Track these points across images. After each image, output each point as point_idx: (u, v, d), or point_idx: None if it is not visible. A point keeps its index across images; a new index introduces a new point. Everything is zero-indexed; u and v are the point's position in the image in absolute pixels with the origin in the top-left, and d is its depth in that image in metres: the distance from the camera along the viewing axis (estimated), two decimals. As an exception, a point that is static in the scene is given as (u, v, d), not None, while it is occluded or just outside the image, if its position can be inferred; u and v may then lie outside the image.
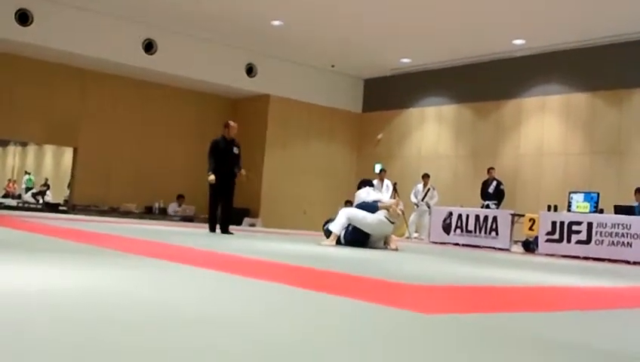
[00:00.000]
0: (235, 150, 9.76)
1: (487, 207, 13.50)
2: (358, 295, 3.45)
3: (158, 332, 2.05)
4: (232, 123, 9.97)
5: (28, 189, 25.73)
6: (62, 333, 1.94)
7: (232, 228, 9.98)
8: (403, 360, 1.94)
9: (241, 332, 2.17)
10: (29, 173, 28.09)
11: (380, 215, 8.62)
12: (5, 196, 24.54)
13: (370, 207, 8.73)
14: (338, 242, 8.59)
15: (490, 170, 14.38)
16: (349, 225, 8.62)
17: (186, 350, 1.80)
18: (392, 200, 9.65)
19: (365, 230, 8.59)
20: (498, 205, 13.73)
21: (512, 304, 3.87)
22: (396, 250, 8.59)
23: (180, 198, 16.62)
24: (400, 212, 9.12)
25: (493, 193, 14.04)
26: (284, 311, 2.78)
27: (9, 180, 29.27)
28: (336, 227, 8.59)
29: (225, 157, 9.63)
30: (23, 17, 13.76)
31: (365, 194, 9.20)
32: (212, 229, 9.82)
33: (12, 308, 2.32)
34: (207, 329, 2.18)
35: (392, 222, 8.76)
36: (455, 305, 3.53)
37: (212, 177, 9.49)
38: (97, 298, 2.70)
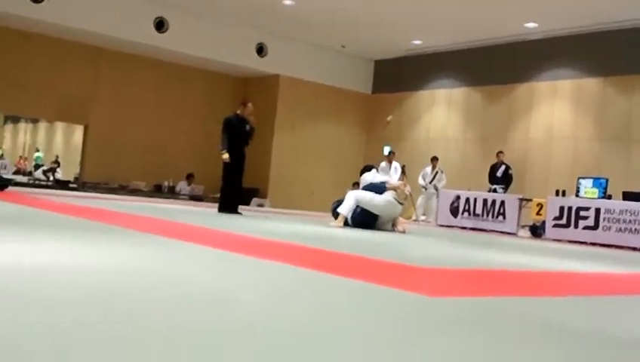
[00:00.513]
0: (247, 127, 9.79)
1: (495, 190, 13.50)
2: (365, 276, 3.49)
3: (163, 311, 2.09)
4: (250, 103, 9.97)
5: (37, 166, 25.87)
6: (63, 311, 1.98)
7: (240, 208, 10.01)
8: (411, 344, 1.98)
9: (248, 313, 2.21)
10: (39, 150, 28.23)
11: (388, 195, 8.64)
12: (16, 173, 24.68)
13: (378, 188, 8.75)
14: (346, 224, 8.63)
15: (499, 153, 14.36)
16: (357, 206, 8.65)
17: (191, 331, 1.84)
18: (400, 182, 9.67)
19: (373, 211, 8.62)
20: (506, 189, 13.73)
21: (519, 288, 3.90)
22: (404, 232, 8.62)
23: (190, 177, 16.67)
24: (408, 193, 9.15)
25: (501, 177, 14.03)
26: (291, 293, 2.82)
27: (20, 157, 29.42)
28: (345, 209, 8.63)
29: (237, 136, 9.65)
30: (36, -6, 13.76)
31: (372, 176, 9.22)
32: (224, 209, 9.76)
33: (20, 285, 2.36)
34: (214, 309, 2.22)
35: (401, 203, 8.78)
36: (462, 289, 3.56)
37: (226, 155, 9.49)
38: (105, 276, 2.75)
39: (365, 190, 8.89)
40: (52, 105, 15.83)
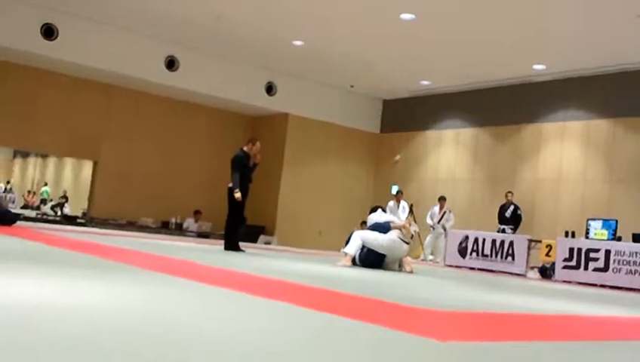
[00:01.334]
0: (251, 164, 9.85)
1: (504, 231, 13.42)
2: (371, 319, 3.43)
3: (153, 349, 2.06)
4: (258, 142, 10.00)
5: (44, 201, 25.95)
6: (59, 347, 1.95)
7: (247, 245, 9.97)
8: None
9: (241, 353, 2.16)
10: (46, 185, 28.37)
11: (393, 235, 8.60)
12: (24, 207, 24.78)
13: (383, 228, 8.73)
14: (354, 263, 8.57)
15: (507, 194, 14.32)
16: (364, 246, 8.61)
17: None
18: (405, 221, 9.63)
19: (379, 251, 8.56)
20: (515, 230, 13.64)
21: (529, 332, 3.82)
22: (411, 272, 8.55)
23: (197, 214, 16.66)
24: (413, 232, 9.10)
25: (510, 217, 13.97)
26: (290, 332, 2.77)
27: (28, 191, 29.58)
28: (351, 249, 8.59)
29: (247, 174, 9.68)
30: (49, 32, 13.95)
31: (378, 216, 9.21)
32: (230, 247, 9.70)
33: (17, 322, 2.33)
34: (203, 348, 2.18)
35: (407, 243, 8.73)
36: (470, 333, 3.50)
37: (239, 194, 9.48)
38: (101, 313, 2.71)
39: (371, 230, 8.87)
40: (62, 140, 15.94)
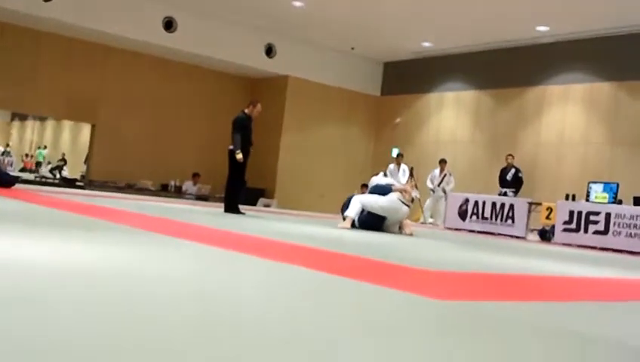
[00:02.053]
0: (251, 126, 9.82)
1: (505, 194, 13.40)
2: (371, 278, 3.41)
3: (157, 309, 2.03)
4: (259, 104, 9.94)
5: (39, 163, 25.92)
6: (63, 310, 1.92)
7: (247, 208, 9.95)
8: (415, 346, 1.90)
9: (259, 316, 2.14)
10: (40, 148, 28.35)
11: (393, 197, 8.59)
12: (22, 170, 24.79)
13: (384, 190, 8.73)
14: (354, 226, 8.56)
15: (508, 156, 14.24)
16: (364, 209, 8.60)
17: (185, 324, 1.78)
18: (407, 185, 9.62)
19: (379, 213, 8.55)
20: (516, 193, 13.62)
21: (528, 293, 3.81)
22: (411, 235, 8.55)
23: (196, 176, 16.62)
24: (414, 196, 9.08)
25: (511, 180, 13.92)
26: (298, 294, 2.75)
27: (26, 155, 29.57)
28: (352, 211, 8.58)
29: (248, 135, 9.63)
30: (45, -7, 13.76)
31: (378, 179, 9.19)
32: (230, 209, 9.66)
33: (20, 283, 2.30)
34: (208, 306, 2.15)
35: (407, 205, 8.71)
36: (465, 292, 3.48)
37: (241, 155, 9.43)
38: (105, 273, 2.69)
39: (371, 193, 8.86)
40: (60, 103, 15.83)
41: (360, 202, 8.64)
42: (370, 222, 8.57)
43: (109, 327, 1.69)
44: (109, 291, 2.26)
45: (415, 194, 9.30)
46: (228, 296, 2.45)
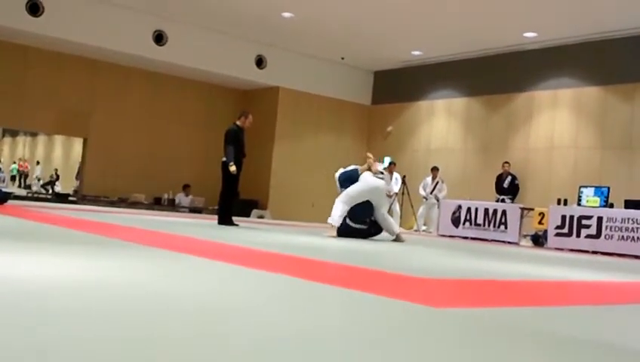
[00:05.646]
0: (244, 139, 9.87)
1: (503, 201, 13.52)
2: (364, 287, 3.43)
3: (156, 322, 2.04)
4: (250, 115, 9.99)
5: (13, 177, 26.02)
6: (54, 326, 1.93)
7: (240, 219, 9.97)
8: (411, 354, 1.92)
9: (242, 324, 2.15)
10: (15, 162, 28.45)
11: (365, 176, 8.64)
12: (18, 171, 24.86)
13: (352, 176, 8.73)
14: (347, 230, 8.53)
15: (504, 164, 14.36)
16: (345, 218, 8.56)
17: (182, 339, 1.79)
18: (368, 160, 9.38)
19: (362, 199, 8.53)
20: (513, 199, 13.72)
21: (522, 298, 3.84)
22: (403, 241, 8.58)
23: (187, 188, 16.60)
24: (379, 168, 9.11)
25: (508, 188, 14.05)
26: (287, 304, 2.76)
27: (19, 159, 29.64)
28: (335, 218, 8.53)
29: (241, 147, 9.67)
30: (34, 8, 13.75)
31: (342, 169, 9.15)
32: (224, 221, 9.70)
33: (14, 300, 2.31)
34: (205, 319, 2.17)
35: (381, 178, 8.74)
36: (464, 299, 3.50)
37: (234, 168, 9.47)
38: (100, 288, 2.70)
39: (342, 182, 8.84)
40: (51, 118, 15.81)
41: (341, 202, 8.58)
42: (360, 213, 8.54)
43: (108, 341, 1.71)
44: (107, 307, 2.27)
45: (379, 167, 9.29)
46: (226, 308, 2.46)
